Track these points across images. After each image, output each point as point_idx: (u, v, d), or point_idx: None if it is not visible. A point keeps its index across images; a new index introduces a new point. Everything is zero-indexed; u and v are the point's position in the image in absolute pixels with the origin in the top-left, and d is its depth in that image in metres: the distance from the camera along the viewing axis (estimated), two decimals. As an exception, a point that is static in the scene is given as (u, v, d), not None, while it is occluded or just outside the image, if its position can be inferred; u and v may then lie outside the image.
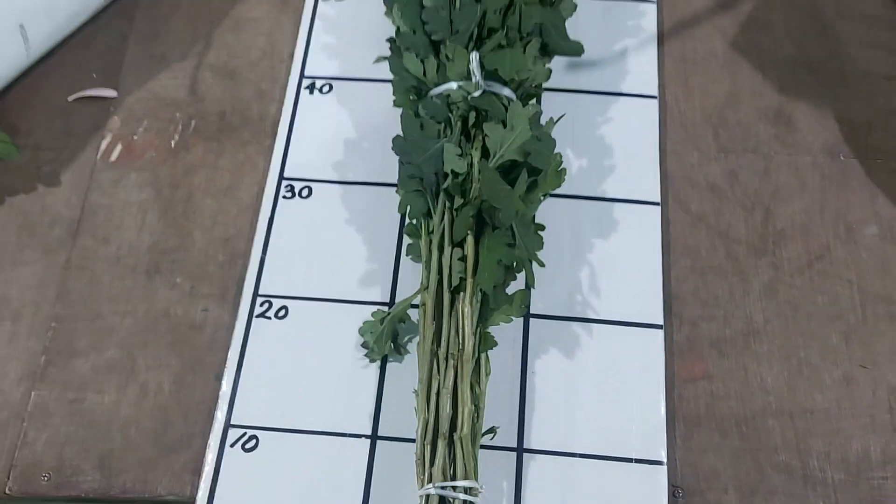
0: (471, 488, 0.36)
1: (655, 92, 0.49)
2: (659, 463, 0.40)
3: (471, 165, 0.40)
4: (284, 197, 0.47)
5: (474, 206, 0.40)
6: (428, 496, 0.36)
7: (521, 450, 0.40)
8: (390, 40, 0.46)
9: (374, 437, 0.41)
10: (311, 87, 0.50)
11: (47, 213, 0.48)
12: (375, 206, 0.46)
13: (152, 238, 0.47)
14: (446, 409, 0.37)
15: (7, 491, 0.41)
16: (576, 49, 0.46)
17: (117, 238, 0.47)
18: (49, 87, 0.51)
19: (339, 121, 0.49)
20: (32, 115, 0.50)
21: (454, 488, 0.36)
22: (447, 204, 0.41)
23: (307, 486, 0.40)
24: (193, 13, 0.54)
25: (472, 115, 0.42)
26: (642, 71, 0.49)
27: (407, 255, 0.44)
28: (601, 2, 0.52)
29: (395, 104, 0.44)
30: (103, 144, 0.49)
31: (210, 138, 0.49)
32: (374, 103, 0.48)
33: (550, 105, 0.47)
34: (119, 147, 0.49)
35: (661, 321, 0.43)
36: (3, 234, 0.47)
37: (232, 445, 0.41)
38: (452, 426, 0.37)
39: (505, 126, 0.41)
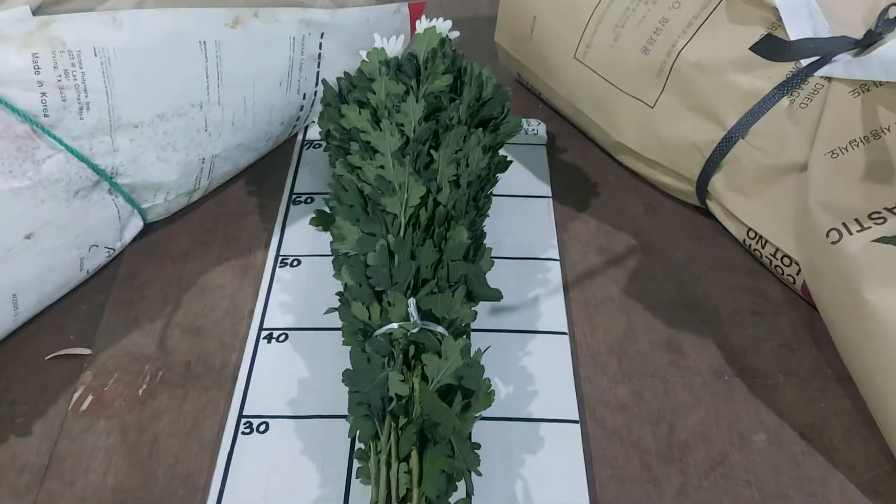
0: None
1: (566, 329, 0.58)
2: None
3: (413, 389, 0.47)
4: (243, 433, 0.52)
5: (417, 424, 0.46)
6: None
7: None
8: (339, 293, 0.54)
9: None
10: (269, 337, 0.57)
11: (17, 461, 0.51)
12: (327, 436, 0.51)
13: (116, 479, 0.50)
14: None
15: None
16: (495, 295, 0.55)
17: (83, 481, 0.50)
18: (29, 348, 0.57)
19: (293, 363, 0.55)
20: (11, 373, 0.55)
21: None
22: (392, 424, 0.46)
23: None
24: (165, 283, 0.62)
25: (412, 348, 0.49)
26: (553, 313, 0.59)
27: (357, 477, 0.48)
28: (515, 261, 0.62)
29: (345, 343, 0.51)
30: (75, 396, 0.54)
31: (175, 386, 0.55)
32: (324, 348, 0.55)
33: (479, 342, 0.55)
34: (90, 398, 0.54)
35: (590, 526, 0.47)
36: (-28, 482, 0.50)
37: None
38: None
39: (440, 356, 0.48)
